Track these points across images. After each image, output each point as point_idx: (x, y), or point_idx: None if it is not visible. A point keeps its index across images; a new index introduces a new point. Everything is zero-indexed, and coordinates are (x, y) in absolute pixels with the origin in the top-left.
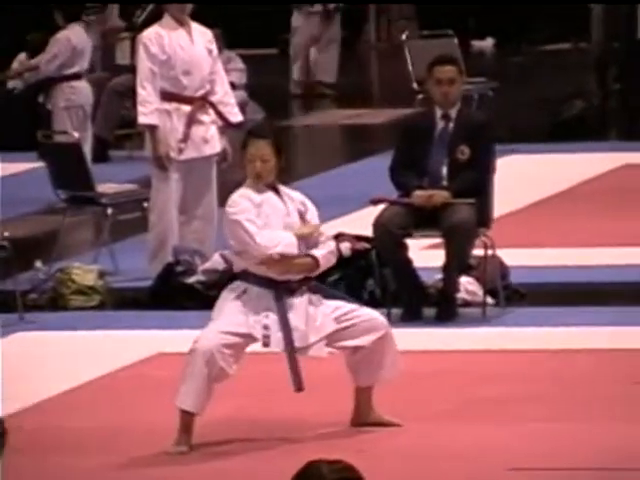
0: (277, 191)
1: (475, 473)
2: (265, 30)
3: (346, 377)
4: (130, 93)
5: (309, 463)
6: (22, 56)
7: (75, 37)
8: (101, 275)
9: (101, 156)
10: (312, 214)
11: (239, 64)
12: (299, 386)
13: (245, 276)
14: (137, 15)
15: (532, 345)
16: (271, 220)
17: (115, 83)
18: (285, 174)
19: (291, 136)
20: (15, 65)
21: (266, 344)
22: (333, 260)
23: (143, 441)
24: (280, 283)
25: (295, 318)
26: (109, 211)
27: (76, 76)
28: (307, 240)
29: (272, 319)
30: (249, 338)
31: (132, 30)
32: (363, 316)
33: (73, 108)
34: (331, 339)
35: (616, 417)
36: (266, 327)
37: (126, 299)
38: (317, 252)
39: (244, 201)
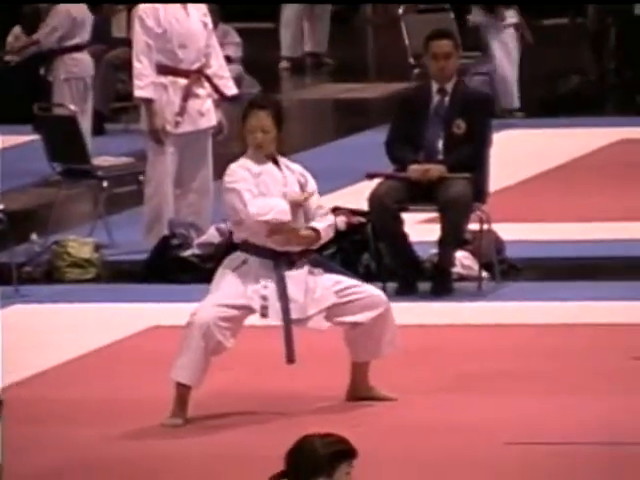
0: (276, 162)
1: (471, 447)
2: (261, 3)
3: (342, 352)
4: (126, 66)
5: (302, 438)
6: (17, 29)
7: (75, 9)
8: (97, 248)
9: (97, 129)
10: (311, 186)
11: (235, 38)
12: (291, 357)
13: (245, 246)
14: None
15: (528, 320)
16: (270, 189)
17: (111, 56)
18: (284, 147)
19: (286, 110)
20: (10, 39)
21: (264, 315)
22: (332, 233)
23: (139, 413)
24: (280, 254)
25: (294, 289)
26: (105, 184)
27: (77, 48)
28: (300, 207)
29: (271, 290)
30: (247, 310)
31: (128, 3)
32: (363, 292)
33: (74, 80)
34: (330, 313)
35: (613, 391)
36: (264, 298)
37: (122, 272)
38: (318, 224)
39: (241, 171)
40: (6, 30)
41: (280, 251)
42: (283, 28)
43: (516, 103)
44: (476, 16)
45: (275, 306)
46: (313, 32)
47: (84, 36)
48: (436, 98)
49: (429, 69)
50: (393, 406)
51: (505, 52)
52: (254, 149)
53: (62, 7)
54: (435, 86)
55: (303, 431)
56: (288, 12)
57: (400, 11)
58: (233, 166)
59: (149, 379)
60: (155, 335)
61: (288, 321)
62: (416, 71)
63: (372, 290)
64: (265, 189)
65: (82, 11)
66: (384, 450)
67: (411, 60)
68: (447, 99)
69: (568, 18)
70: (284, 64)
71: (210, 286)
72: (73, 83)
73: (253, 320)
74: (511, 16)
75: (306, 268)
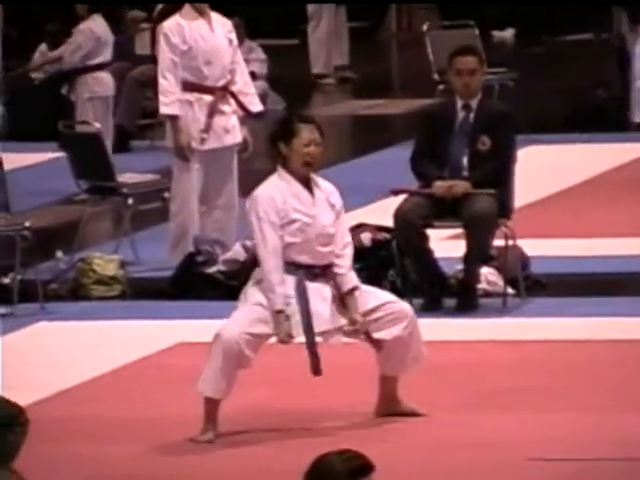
0: (307, 181)
1: (493, 463)
2: (285, 21)
3: (371, 367)
4: (151, 83)
5: (319, 457)
6: (43, 47)
7: (98, 28)
8: (122, 265)
9: (123, 146)
10: (338, 205)
11: (260, 54)
12: (316, 370)
13: None
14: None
15: (552, 335)
16: (296, 210)
17: (136, 73)
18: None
19: None
20: (37, 56)
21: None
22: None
23: (165, 430)
24: (304, 267)
25: (316, 303)
26: (130, 201)
27: (99, 67)
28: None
29: (293, 307)
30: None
31: (151, 20)
32: (389, 308)
33: (96, 99)
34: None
35: (636, 408)
36: (287, 318)
37: (147, 289)
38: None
39: (268, 201)
40: (33, 48)
41: (304, 264)
42: (316, 45)
43: None
44: (621, 29)
45: (296, 319)
46: (336, 46)
47: (106, 55)
48: (461, 114)
49: (454, 85)
50: (418, 422)
51: None
52: (303, 165)
53: (85, 26)
54: (460, 102)
55: (332, 447)
56: (321, 29)
57: (425, 27)
58: (262, 191)
59: (175, 396)
60: (181, 352)
61: (311, 334)
62: (440, 87)
63: (397, 305)
64: (291, 211)
65: (105, 30)
66: (407, 465)
67: (435, 76)
68: (472, 115)
69: (592, 34)
70: (329, 80)
71: (238, 301)
72: (96, 102)
73: None
74: None
75: (330, 282)
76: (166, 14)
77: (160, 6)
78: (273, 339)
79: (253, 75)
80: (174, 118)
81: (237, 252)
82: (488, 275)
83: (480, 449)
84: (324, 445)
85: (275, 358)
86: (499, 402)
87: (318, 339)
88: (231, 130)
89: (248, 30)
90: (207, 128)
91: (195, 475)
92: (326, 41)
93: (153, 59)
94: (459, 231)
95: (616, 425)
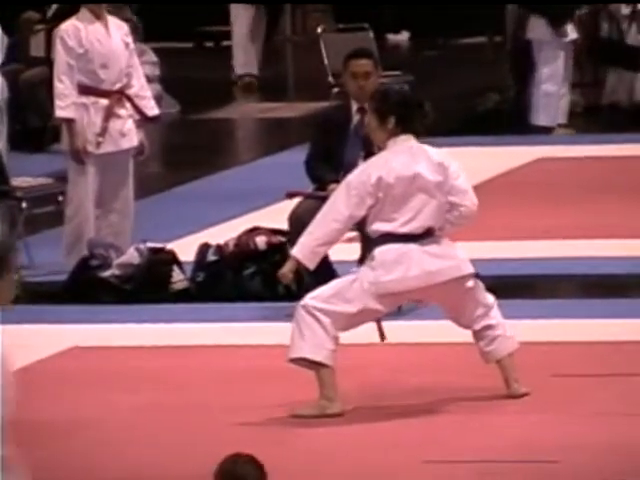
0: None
1: (389, 465)
2: (180, 23)
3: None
4: (44, 85)
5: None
6: None
7: None
8: (16, 269)
9: (38, 148)
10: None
11: (152, 57)
12: (382, 336)
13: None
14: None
15: (451, 338)
16: None
17: (27, 75)
18: (205, 166)
19: (208, 130)
20: None
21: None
22: None
23: (65, 432)
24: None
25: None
26: (24, 205)
27: None
28: None
29: None
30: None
31: (45, 22)
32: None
33: None
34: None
35: (531, 409)
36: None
37: (41, 293)
38: None
39: None
40: None
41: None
42: (235, 47)
43: (561, 119)
44: (534, 32)
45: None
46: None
47: None
48: (356, 117)
49: (348, 88)
50: (310, 424)
51: (554, 68)
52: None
53: None
54: (355, 105)
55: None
56: (240, 31)
57: (319, 30)
58: None
59: (70, 399)
60: (75, 356)
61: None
62: (335, 90)
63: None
64: None
65: None
66: (295, 469)
67: (330, 79)
68: (367, 118)
69: (486, 37)
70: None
71: None
72: None
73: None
74: (571, 31)
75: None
76: (61, 16)
77: (54, 7)
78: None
79: (147, 78)
80: (70, 121)
81: (131, 256)
82: None
83: (377, 451)
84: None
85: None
86: (401, 404)
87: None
88: (127, 134)
89: (144, 33)
90: (103, 132)
91: None
92: (243, 43)
93: (48, 61)
94: (354, 234)
95: (513, 427)
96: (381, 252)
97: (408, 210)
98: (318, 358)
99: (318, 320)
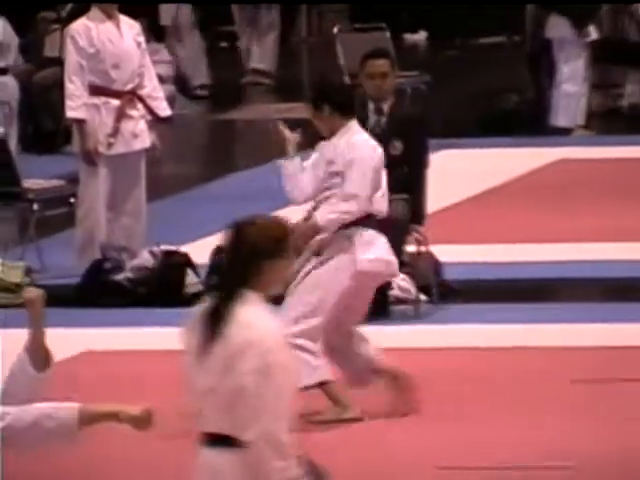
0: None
1: (404, 473)
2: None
3: None
4: (56, 87)
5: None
6: None
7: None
8: (27, 272)
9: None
10: None
11: (166, 56)
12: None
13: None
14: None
15: (466, 343)
16: None
17: (39, 77)
18: (220, 168)
19: (223, 130)
20: None
21: None
22: None
23: None
24: None
25: None
26: (35, 207)
27: (2, 71)
28: None
29: None
30: None
31: (60, 22)
32: None
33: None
34: None
35: (551, 415)
36: None
37: (53, 296)
38: None
39: None
40: None
41: None
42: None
43: (579, 120)
44: (557, 32)
45: None
46: (260, 48)
47: (9, 59)
48: (373, 118)
49: (365, 88)
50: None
51: (575, 68)
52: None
53: None
54: (371, 106)
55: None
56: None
57: (335, 30)
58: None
59: (82, 403)
60: (87, 360)
61: None
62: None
63: None
64: None
65: (7, 34)
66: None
67: (346, 79)
68: (384, 119)
69: (505, 37)
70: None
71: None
72: None
73: None
74: (593, 31)
75: None
76: (76, 15)
77: (69, 7)
78: None
79: (160, 78)
80: (81, 122)
81: (145, 259)
82: (400, 282)
83: (390, 458)
84: None
85: None
86: (410, 410)
87: None
88: (139, 135)
89: (156, 33)
90: (114, 132)
91: None
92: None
93: (62, 62)
94: None
95: (530, 432)
96: None
97: None
98: (315, 381)
99: (300, 347)
